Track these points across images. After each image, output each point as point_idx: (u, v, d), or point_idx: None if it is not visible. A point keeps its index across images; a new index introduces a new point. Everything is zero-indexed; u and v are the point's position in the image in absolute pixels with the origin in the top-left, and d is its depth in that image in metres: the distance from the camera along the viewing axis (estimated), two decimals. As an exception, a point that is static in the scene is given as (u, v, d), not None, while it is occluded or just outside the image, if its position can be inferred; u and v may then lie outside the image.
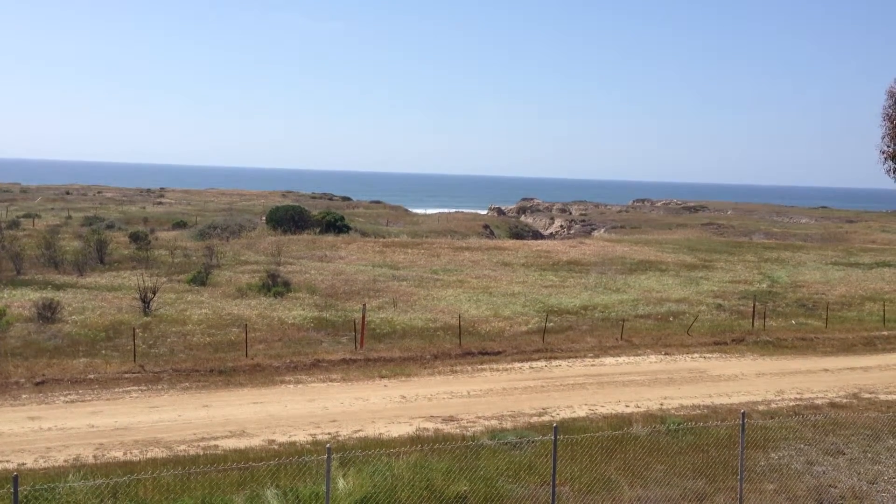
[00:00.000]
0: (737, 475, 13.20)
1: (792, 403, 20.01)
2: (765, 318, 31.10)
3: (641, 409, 19.12)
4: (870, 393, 21.32)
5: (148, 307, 28.32)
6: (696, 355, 25.83)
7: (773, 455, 15.48)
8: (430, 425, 17.47)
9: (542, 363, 24.12)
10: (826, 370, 24.23)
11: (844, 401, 20.38)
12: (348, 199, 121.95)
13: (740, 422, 13.12)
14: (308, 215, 63.29)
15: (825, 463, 15.10)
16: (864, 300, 37.52)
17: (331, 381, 21.43)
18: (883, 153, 34.73)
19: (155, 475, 12.18)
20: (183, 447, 15.63)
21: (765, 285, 41.06)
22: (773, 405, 19.84)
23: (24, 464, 14.43)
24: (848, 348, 27.74)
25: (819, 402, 20.26)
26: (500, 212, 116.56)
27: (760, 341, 28.01)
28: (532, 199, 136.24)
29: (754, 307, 32.17)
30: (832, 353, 26.88)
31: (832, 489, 13.85)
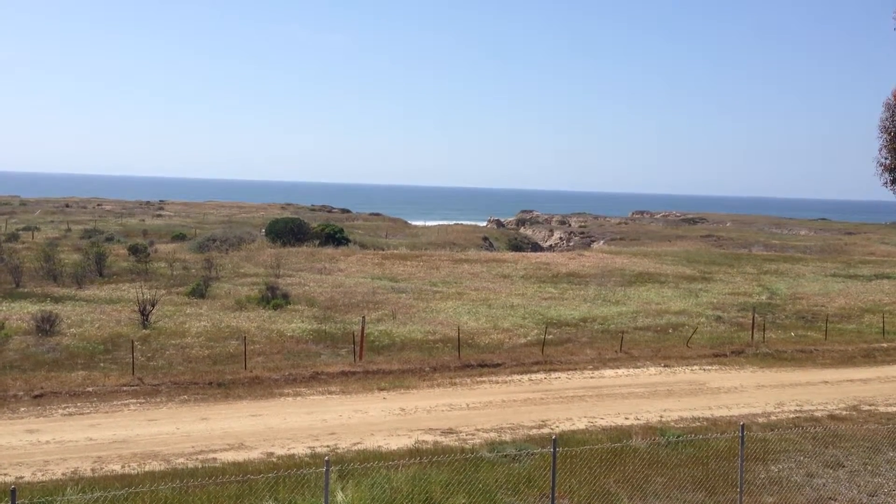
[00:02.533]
0: (736, 488, 13.18)
1: (792, 415, 19.99)
2: (764, 330, 31.10)
3: (641, 422, 19.09)
4: (869, 405, 21.30)
5: (147, 320, 28.32)
6: (695, 367, 25.81)
7: (772, 467, 15.46)
8: (429, 438, 17.44)
9: (541, 375, 24.10)
10: (826, 382, 24.22)
11: (844, 413, 20.35)
12: (348, 211, 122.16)
13: (740, 434, 13.12)
14: (307, 227, 63.35)
15: (825, 475, 15.07)
16: (863, 312, 37.54)
17: (330, 393, 21.41)
18: (881, 165, 34.82)
19: (153, 489, 12.16)
20: (181, 460, 15.59)
21: (764, 297, 41.07)
22: (773, 417, 19.82)
23: (21, 477, 14.38)
24: (847, 360, 27.73)
25: (819, 414, 20.24)
26: (499, 224, 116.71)
27: (760, 353, 27.99)
28: (531, 211, 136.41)
29: (753, 319, 32.16)
30: (832, 366, 26.86)
31: (832, 501, 13.83)
